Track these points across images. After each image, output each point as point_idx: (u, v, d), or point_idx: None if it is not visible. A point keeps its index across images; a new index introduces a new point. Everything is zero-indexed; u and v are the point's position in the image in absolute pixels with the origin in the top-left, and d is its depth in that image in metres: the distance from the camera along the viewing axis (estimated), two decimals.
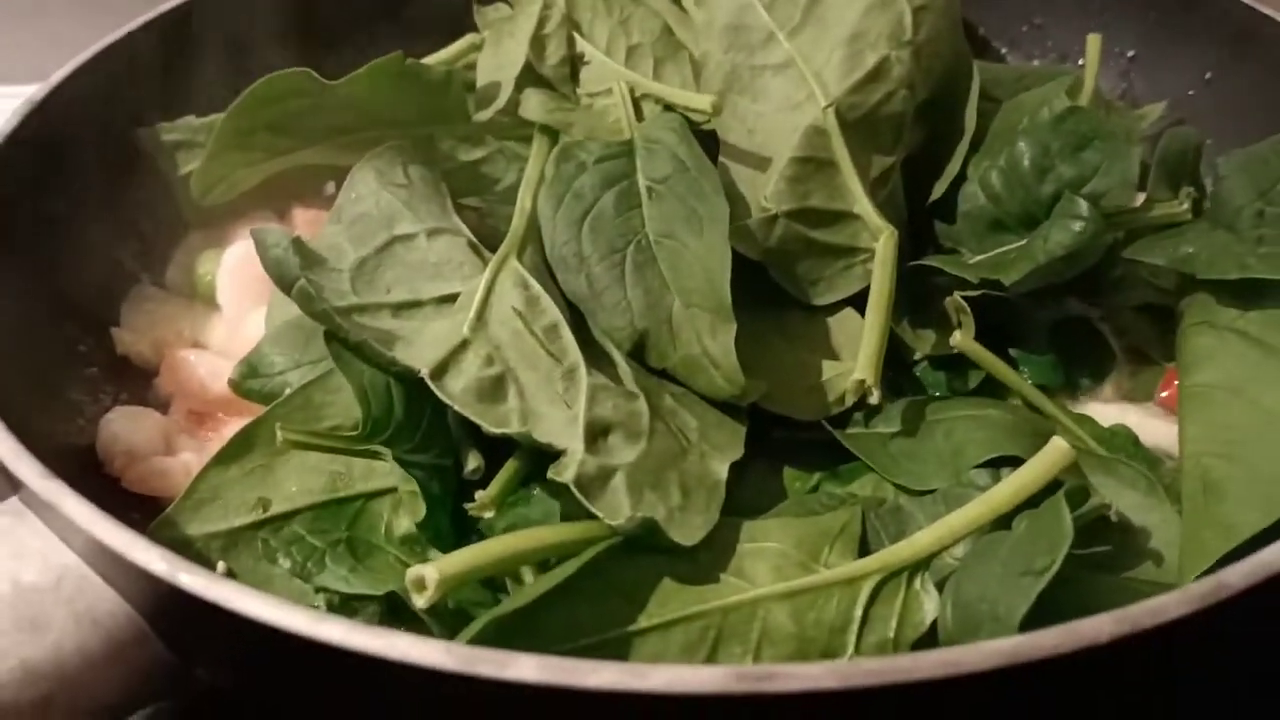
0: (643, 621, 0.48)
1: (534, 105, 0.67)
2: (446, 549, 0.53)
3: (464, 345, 0.55)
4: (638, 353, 0.58)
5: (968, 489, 0.53)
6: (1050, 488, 0.51)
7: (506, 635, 0.45)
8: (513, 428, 0.53)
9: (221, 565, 0.51)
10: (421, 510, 0.52)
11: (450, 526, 0.55)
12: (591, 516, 0.50)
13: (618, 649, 0.47)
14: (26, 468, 0.46)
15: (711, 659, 0.48)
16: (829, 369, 0.61)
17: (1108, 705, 0.44)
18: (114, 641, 0.44)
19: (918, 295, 0.65)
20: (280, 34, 0.78)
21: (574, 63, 0.70)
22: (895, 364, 0.63)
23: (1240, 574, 0.41)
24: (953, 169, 0.66)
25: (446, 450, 0.56)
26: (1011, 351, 0.65)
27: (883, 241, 0.61)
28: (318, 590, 0.51)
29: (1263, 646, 0.46)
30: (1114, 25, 0.84)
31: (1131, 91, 0.85)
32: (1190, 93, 0.82)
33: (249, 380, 0.60)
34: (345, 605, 0.52)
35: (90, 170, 0.70)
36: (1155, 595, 0.40)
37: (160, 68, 0.74)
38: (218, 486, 0.53)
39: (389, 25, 0.82)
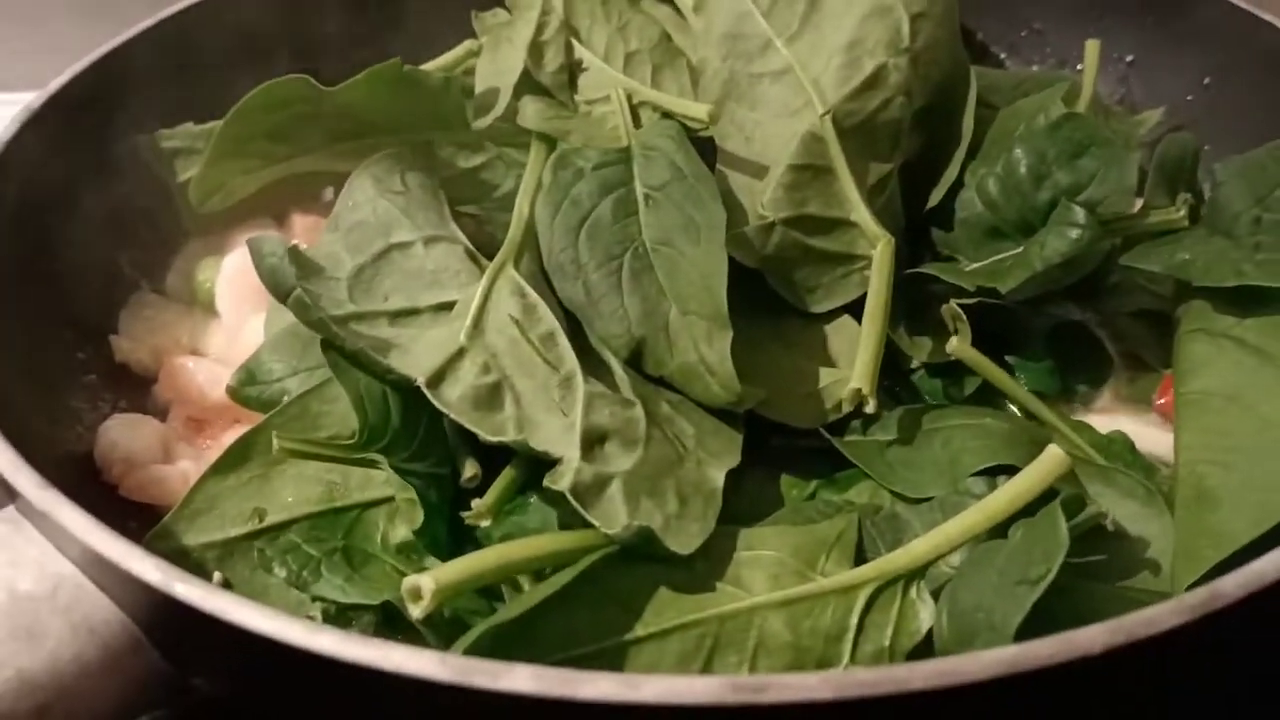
0: (639, 630, 0.48)
1: (532, 113, 0.67)
2: (443, 557, 0.54)
3: (461, 353, 0.55)
4: (635, 360, 0.59)
5: (964, 497, 0.53)
6: (1047, 496, 0.51)
7: (502, 644, 0.45)
8: (509, 436, 0.53)
9: (217, 576, 0.51)
10: (419, 518, 0.52)
11: (447, 535, 0.55)
12: (588, 524, 0.50)
13: (614, 657, 0.47)
14: (24, 478, 0.46)
15: (707, 667, 0.48)
16: (826, 376, 0.61)
17: (1102, 714, 0.44)
18: (110, 651, 0.44)
19: (915, 302, 0.65)
20: (278, 41, 0.78)
21: (572, 69, 0.70)
22: (892, 371, 0.63)
23: (1235, 583, 0.41)
24: (950, 176, 0.66)
25: (443, 459, 0.56)
26: (1008, 358, 0.65)
27: (880, 249, 0.62)
28: (314, 599, 0.51)
29: (1257, 655, 0.46)
30: (1112, 30, 0.84)
31: (1130, 96, 0.85)
32: (1189, 98, 0.82)
33: (247, 387, 0.61)
34: (341, 614, 0.52)
35: (89, 177, 0.70)
36: (1151, 605, 0.40)
37: (158, 75, 0.74)
38: (214, 496, 0.54)
39: (387, 31, 0.82)
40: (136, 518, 0.59)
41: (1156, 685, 0.43)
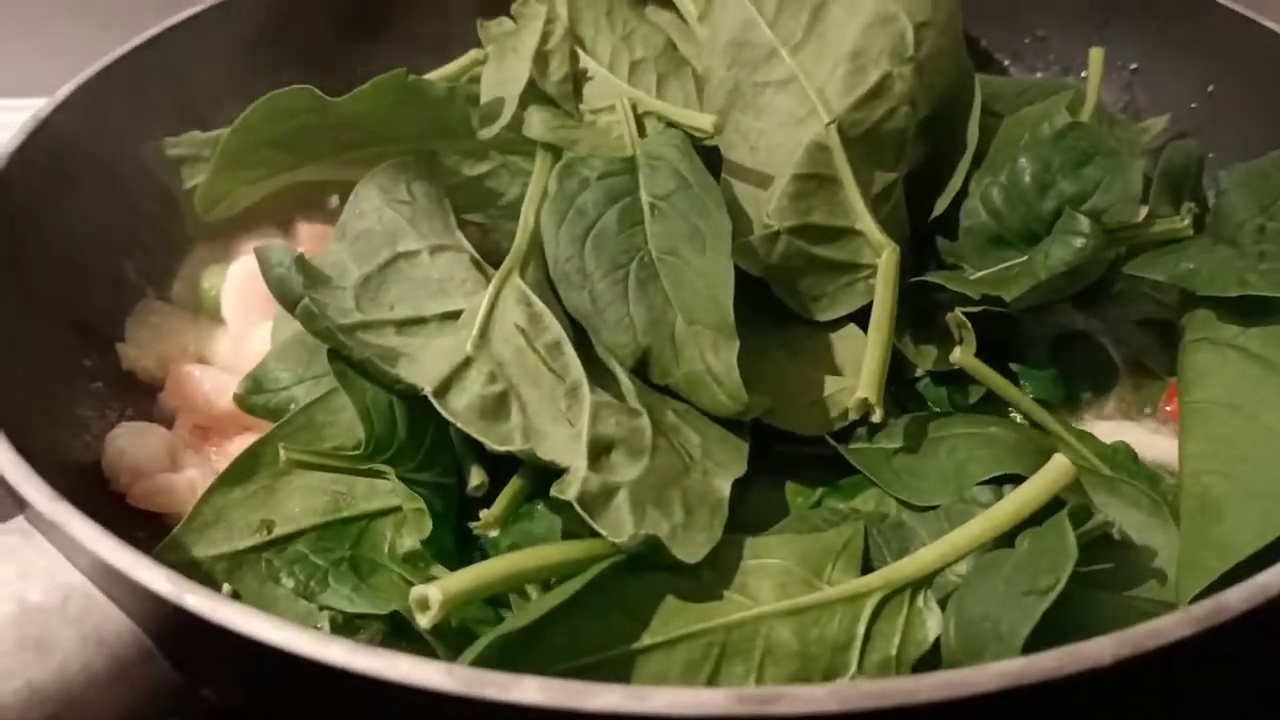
0: (646, 639, 0.48)
1: (537, 123, 0.67)
2: (450, 565, 0.54)
3: (467, 363, 0.56)
4: (640, 369, 0.59)
5: (970, 505, 0.53)
6: (1052, 505, 0.51)
7: (510, 653, 0.45)
8: (516, 445, 0.53)
9: (226, 587, 0.51)
10: (427, 527, 0.52)
11: (453, 543, 0.55)
12: (595, 533, 0.51)
13: (621, 667, 0.47)
14: (34, 489, 0.46)
15: (714, 677, 0.48)
16: (832, 384, 0.61)
17: None
18: (120, 661, 0.45)
19: (920, 310, 0.65)
20: (284, 49, 0.78)
21: (577, 78, 0.71)
22: (897, 379, 0.63)
23: (1240, 596, 0.41)
24: (954, 185, 0.66)
25: (448, 468, 0.56)
26: (1013, 366, 0.65)
27: (885, 258, 0.62)
28: (321, 609, 0.51)
29: (1264, 665, 0.46)
30: (1116, 38, 0.84)
31: (1134, 103, 0.85)
32: (1192, 105, 0.82)
33: (254, 396, 0.61)
34: (349, 623, 0.53)
35: (95, 185, 0.70)
36: (1157, 615, 0.40)
37: (165, 83, 0.74)
38: (222, 508, 0.54)
39: (392, 41, 0.82)
40: (144, 527, 0.60)
41: (1164, 696, 0.43)
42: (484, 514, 0.52)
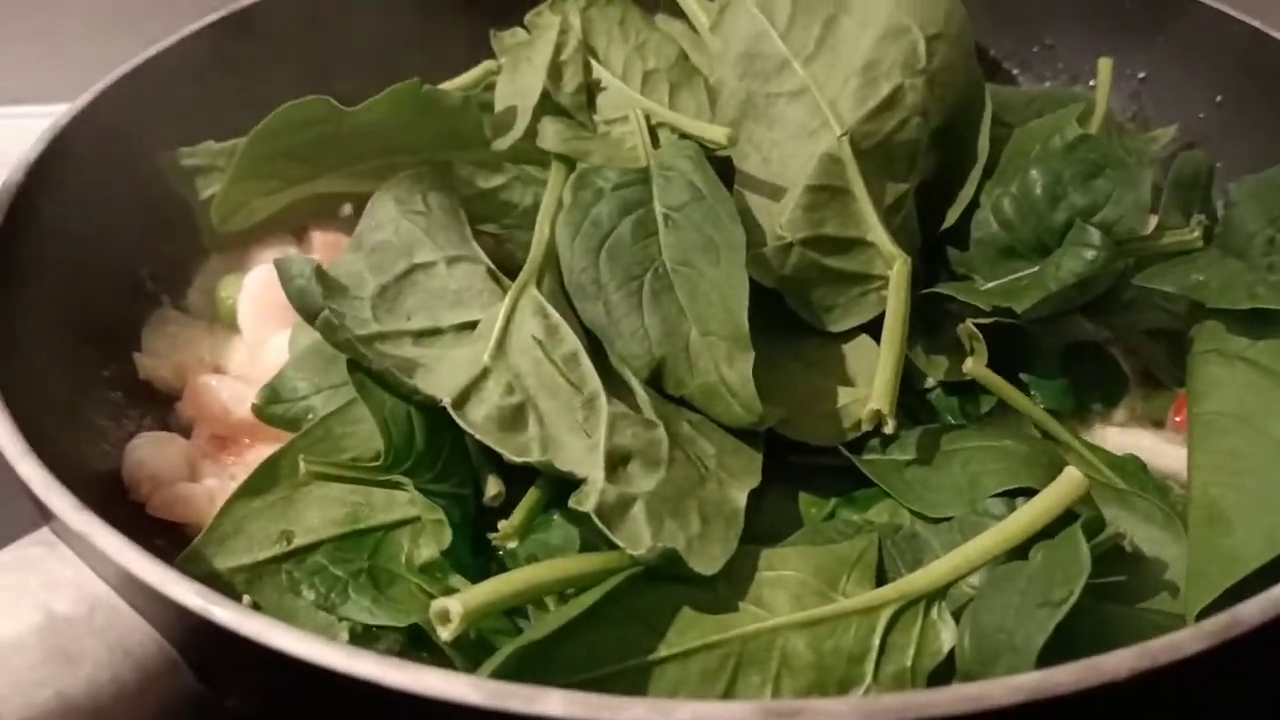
0: (663, 650, 0.48)
1: (551, 135, 0.67)
2: (467, 575, 0.54)
3: (485, 374, 0.56)
4: (655, 380, 0.59)
5: (984, 518, 0.54)
6: (1065, 517, 0.51)
7: (528, 664, 0.46)
8: (534, 456, 0.54)
9: (246, 598, 0.52)
10: (447, 538, 0.53)
11: (470, 553, 0.56)
12: (612, 545, 0.51)
13: (638, 677, 0.48)
14: (61, 501, 0.47)
15: (731, 687, 0.48)
16: (845, 395, 0.62)
17: None
18: (146, 672, 0.45)
19: (931, 321, 0.65)
20: (298, 60, 0.78)
21: (590, 89, 0.71)
22: (908, 389, 0.63)
23: (1255, 609, 0.41)
24: (966, 196, 0.67)
25: (465, 479, 0.57)
26: (1023, 376, 0.65)
27: (897, 269, 0.62)
28: (341, 620, 0.52)
29: (1278, 677, 0.47)
30: (1124, 47, 0.85)
31: (1142, 113, 0.86)
32: (1201, 115, 0.82)
33: (272, 406, 0.61)
34: (368, 632, 0.53)
35: (113, 194, 0.71)
36: (1171, 627, 0.41)
37: (181, 93, 0.75)
38: (241, 520, 0.54)
39: (407, 51, 0.82)
40: (163, 536, 0.60)
41: (1179, 709, 0.43)
42: (502, 525, 0.53)
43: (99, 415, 0.65)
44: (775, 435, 0.59)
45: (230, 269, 0.74)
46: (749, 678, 0.48)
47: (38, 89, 0.93)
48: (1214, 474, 0.55)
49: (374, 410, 0.55)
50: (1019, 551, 0.51)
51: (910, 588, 0.51)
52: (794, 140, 0.65)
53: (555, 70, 0.70)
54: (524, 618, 0.53)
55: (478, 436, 0.54)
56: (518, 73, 0.71)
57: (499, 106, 0.70)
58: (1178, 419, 0.64)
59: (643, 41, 0.73)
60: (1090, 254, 0.61)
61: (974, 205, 0.67)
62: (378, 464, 0.54)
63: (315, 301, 0.57)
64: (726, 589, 0.51)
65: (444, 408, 0.54)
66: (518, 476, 0.56)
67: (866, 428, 0.59)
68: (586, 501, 0.52)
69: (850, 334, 0.64)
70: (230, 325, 0.71)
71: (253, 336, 0.69)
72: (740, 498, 0.55)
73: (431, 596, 0.52)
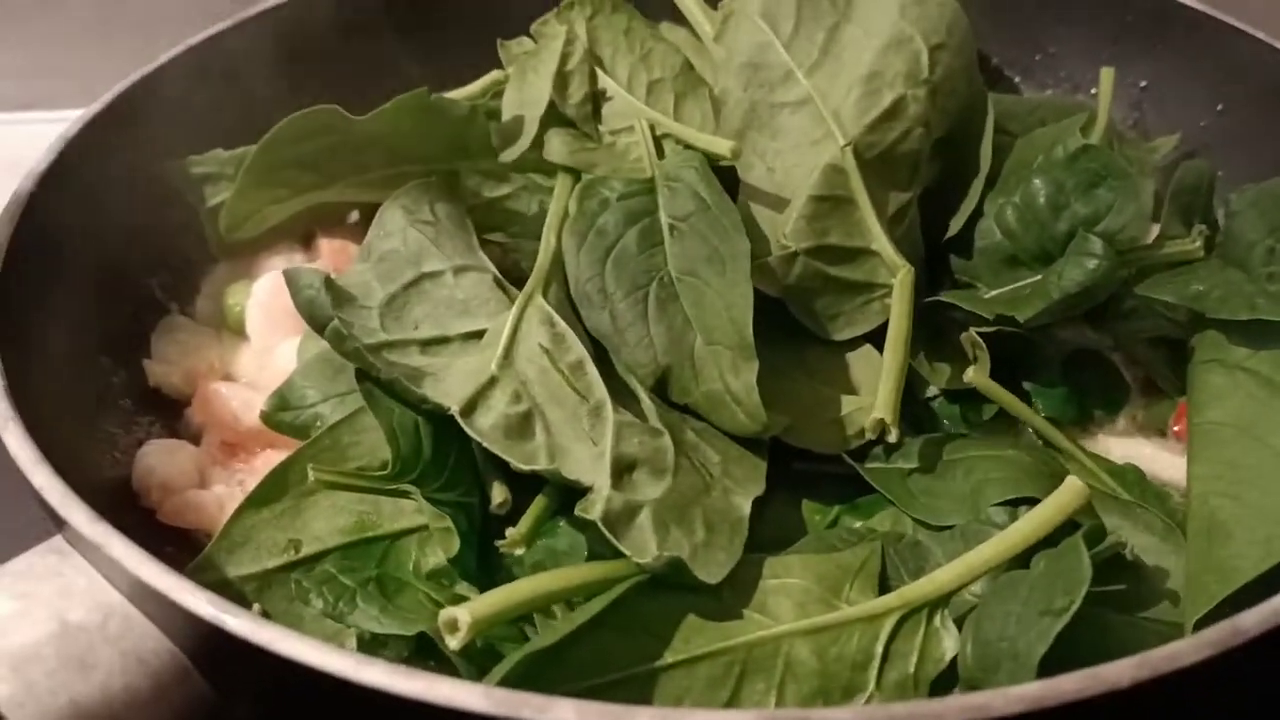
0: (668, 657, 0.49)
1: (557, 146, 0.68)
2: (474, 582, 0.55)
3: (492, 382, 0.56)
4: (660, 388, 0.60)
5: (986, 526, 0.54)
6: (1065, 526, 0.52)
7: (535, 672, 0.46)
8: (540, 464, 0.54)
9: (256, 606, 0.52)
10: (454, 546, 0.53)
11: (478, 560, 0.56)
12: (618, 552, 0.51)
13: (644, 685, 0.48)
14: (75, 511, 0.47)
15: (736, 694, 0.49)
16: (848, 403, 0.62)
17: None
18: (158, 680, 0.46)
19: (934, 329, 0.66)
20: (310, 68, 0.79)
21: (596, 99, 0.71)
22: (911, 397, 0.64)
23: (1255, 619, 0.42)
24: (969, 205, 0.67)
25: (471, 488, 0.57)
26: (1025, 384, 0.66)
27: (900, 278, 0.63)
28: (349, 628, 0.52)
29: (1277, 686, 0.47)
30: (1126, 55, 0.85)
31: (1143, 121, 0.86)
32: (1202, 123, 0.82)
33: (281, 413, 0.62)
34: (375, 639, 0.53)
35: (123, 202, 0.71)
36: (1171, 635, 0.41)
37: (190, 101, 0.75)
38: (250, 528, 0.55)
39: (414, 60, 0.83)
40: (173, 542, 0.61)
41: (1181, 718, 0.44)
42: (510, 532, 0.53)
43: (109, 422, 0.66)
44: (779, 443, 0.60)
45: (238, 276, 0.75)
46: (753, 685, 0.49)
47: (45, 95, 0.94)
48: (1213, 484, 0.55)
49: (382, 419, 0.55)
50: (1021, 560, 0.52)
51: (913, 595, 0.51)
52: (797, 150, 0.66)
53: (561, 80, 0.71)
54: (530, 624, 0.53)
55: (485, 444, 0.54)
56: (524, 82, 0.71)
57: (505, 116, 0.70)
58: (1176, 428, 0.65)
59: (648, 51, 0.74)
60: (1092, 263, 0.61)
61: (977, 214, 0.67)
62: (385, 473, 0.55)
63: (324, 312, 0.57)
64: (731, 597, 0.52)
65: (451, 416, 0.55)
66: (524, 484, 0.56)
67: (870, 436, 0.59)
68: (593, 509, 0.52)
69: (854, 343, 0.65)
70: (239, 332, 0.72)
71: (261, 343, 0.70)
72: (745, 506, 0.56)
73: (439, 604, 0.53)
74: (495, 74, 0.76)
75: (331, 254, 0.75)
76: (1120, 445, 0.65)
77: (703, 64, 0.74)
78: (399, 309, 0.60)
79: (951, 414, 0.65)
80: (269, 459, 0.63)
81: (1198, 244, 0.65)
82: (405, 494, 0.55)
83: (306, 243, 0.77)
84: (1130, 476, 0.60)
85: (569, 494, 0.55)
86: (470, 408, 0.55)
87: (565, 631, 0.48)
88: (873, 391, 0.60)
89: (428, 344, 0.59)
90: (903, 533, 0.57)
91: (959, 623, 0.51)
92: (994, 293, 0.66)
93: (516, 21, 0.77)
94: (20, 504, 0.52)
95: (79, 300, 0.67)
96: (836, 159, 0.64)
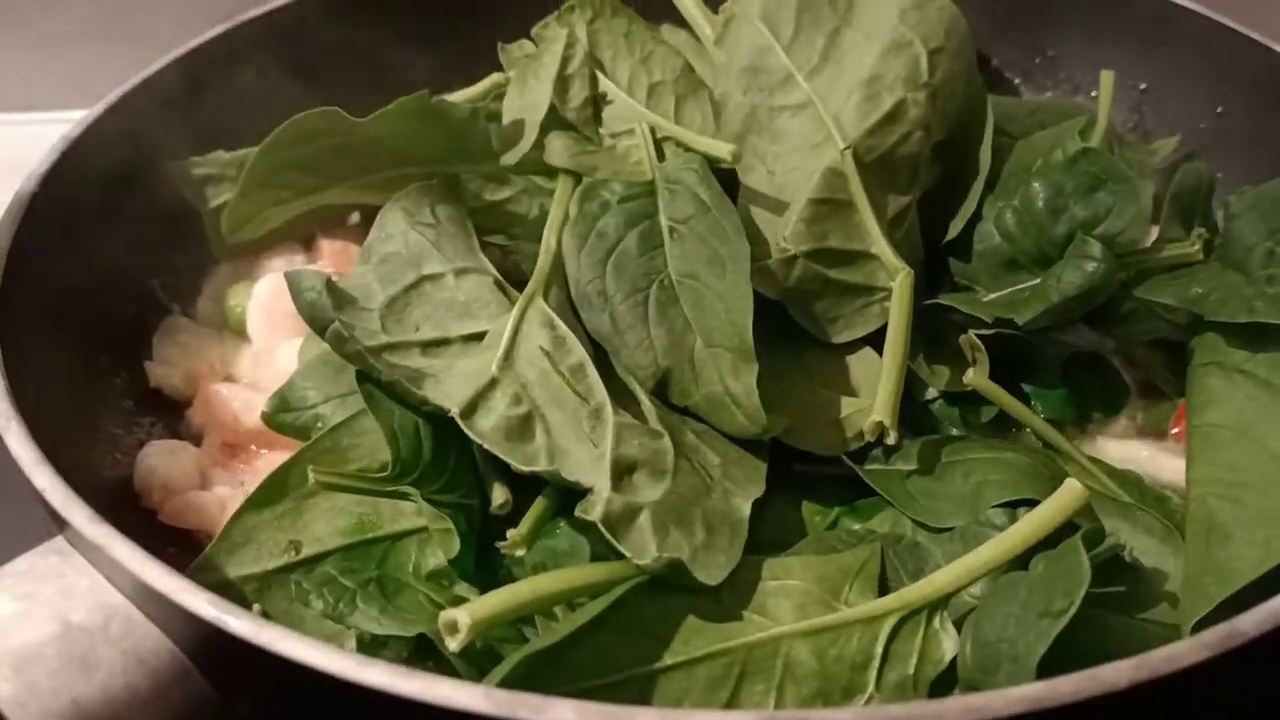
0: (668, 659, 0.49)
1: (558, 150, 0.68)
2: (473, 583, 0.55)
3: (492, 384, 0.57)
4: (660, 390, 0.60)
5: (985, 528, 0.55)
6: (1065, 528, 0.52)
7: (535, 673, 0.46)
8: (541, 466, 0.54)
9: (256, 607, 0.52)
10: (455, 547, 0.54)
11: (478, 562, 0.56)
12: (618, 553, 0.52)
13: (643, 686, 0.48)
14: (78, 513, 0.47)
15: (735, 696, 0.49)
16: (848, 405, 0.62)
17: None
18: (160, 680, 0.46)
19: (933, 331, 0.66)
20: (315, 69, 0.79)
21: (596, 102, 0.72)
22: (911, 399, 0.64)
23: (1253, 621, 0.42)
24: (968, 208, 0.68)
25: (471, 490, 0.57)
26: (1024, 386, 0.66)
27: (899, 281, 0.63)
28: (349, 629, 0.53)
29: (1276, 688, 0.47)
30: (1125, 58, 0.85)
31: (1143, 123, 0.86)
32: (1201, 125, 0.83)
33: (282, 414, 0.62)
34: (375, 640, 0.54)
35: (123, 204, 0.71)
36: (1170, 637, 0.41)
37: (192, 103, 0.75)
38: (251, 529, 0.55)
39: (416, 63, 0.83)
40: (175, 543, 0.61)
41: (1180, 719, 0.44)
42: (511, 533, 0.53)
43: (110, 423, 0.66)
44: (779, 445, 0.60)
45: (239, 277, 0.75)
46: (753, 686, 0.49)
47: (46, 95, 0.94)
48: (1212, 486, 0.56)
49: (382, 421, 0.55)
50: (1020, 562, 0.52)
51: (913, 597, 0.51)
52: (797, 153, 0.66)
53: (562, 84, 0.71)
54: (530, 625, 0.54)
55: (485, 446, 0.55)
56: (525, 86, 0.71)
57: (506, 119, 0.71)
58: (1175, 430, 0.65)
59: (648, 54, 0.74)
60: (1091, 266, 0.61)
61: (976, 217, 0.68)
62: (385, 474, 0.55)
63: (326, 314, 0.57)
64: (731, 598, 0.52)
65: (451, 418, 0.55)
66: (524, 486, 0.56)
67: (869, 438, 0.59)
68: (593, 511, 0.52)
69: (853, 345, 0.65)
70: (240, 333, 0.72)
71: (262, 344, 0.70)
72: (745, 507, 0.56)
73: (439, 606, 0.53)
74: (496, 77, 0.76)
75: (333, 255, 0.75)
76: (1119, 447, 0.65)
77: (703, 67, 0.75)
78: (400, 311, 0.60)
79: (951, 416, 0.65)
80: (270, 460, 0.63)
81: (1197, 247, 0.65)
82: (405, 495, 0.55)
83: (308, 244, 0.77)
84: (1130, 479, 0.60)
85: (569, 495, 0.55)
86: (471, 409, 0.55)
87: (565, 632, 0.48)
88: (872, 394, 0.60)
89: (428, 346, 0.60)
90: (902, 534, 0.57)
91: (958, 624, 0.51)
92: (993, 295, 0.66)
93: (517, 24, 0.78)
94: (22, 505, 0.52)
95: (81, 301, 0.68)
96: (836, 162, 0.64)
